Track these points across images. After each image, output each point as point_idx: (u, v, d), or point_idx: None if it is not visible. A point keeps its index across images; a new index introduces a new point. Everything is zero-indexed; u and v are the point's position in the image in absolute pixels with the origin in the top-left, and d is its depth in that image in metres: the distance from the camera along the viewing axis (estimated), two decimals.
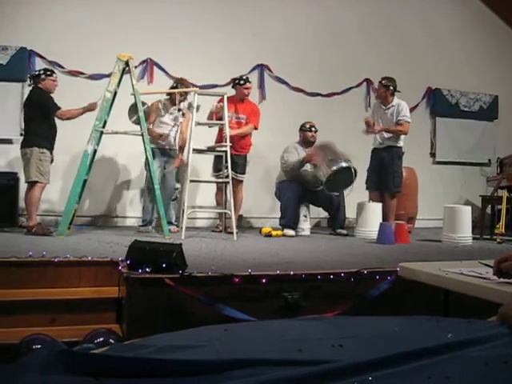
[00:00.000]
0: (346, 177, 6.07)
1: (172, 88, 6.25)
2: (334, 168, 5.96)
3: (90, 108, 5.68)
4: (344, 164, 6.02)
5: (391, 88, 6.38)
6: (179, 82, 6.26)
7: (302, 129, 6.61)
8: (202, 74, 7.05)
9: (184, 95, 6.22)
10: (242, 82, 6.40)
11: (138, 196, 6.88)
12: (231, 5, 7.46)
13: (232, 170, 6.10)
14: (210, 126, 6.42)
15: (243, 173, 6.56)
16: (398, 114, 6.36)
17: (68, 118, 5.70)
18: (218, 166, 6.43)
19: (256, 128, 6.52)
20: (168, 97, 6.29)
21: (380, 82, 6.50)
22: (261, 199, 7.44)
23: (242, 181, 6.56)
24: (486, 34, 8.77)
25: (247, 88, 6.43)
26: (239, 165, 6.44)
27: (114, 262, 3.84)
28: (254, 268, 3.69)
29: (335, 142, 6.74)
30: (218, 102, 6.17)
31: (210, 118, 6.33)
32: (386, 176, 6.38)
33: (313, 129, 6.53)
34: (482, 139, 8.82)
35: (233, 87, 6.50)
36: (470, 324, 1.58)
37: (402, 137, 6.44)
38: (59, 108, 5.67)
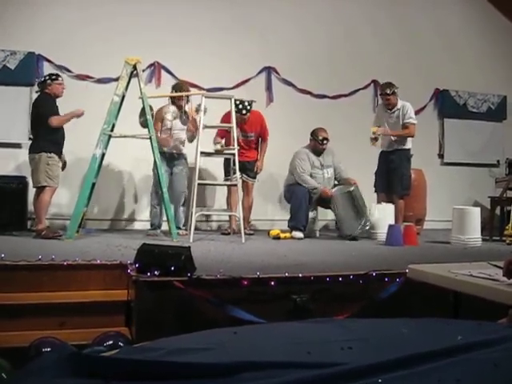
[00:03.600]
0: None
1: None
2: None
3: (76, 113, 5.62)
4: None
5: (396, 91, 6.35)
6: (179, 88, 6.20)
7: (314, 137, 6.48)
8: (209, 76, 7.04)
9: (187, 98, 6.19)
10: (239, 111, 6.14)
11: (147, 199, 6.88)
12: (239, 7, 7.45)
13: (244, 173, 6.22)
14: (217, 151, 6.18)
15: (255, 177, 6.61)
16: (404, 117, 6.32)
17: (58, 125, 5.60)
18: (227, 170, 6.45)
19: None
20: (170, 101, 6.23)
21: (385, 93, 6.33)
22: (269, 201, 7.44)
23: (252, 184, 6.63)
24: (494, 35, 8.70)
25: (244, 117, 6.29)
26: (251, 169, 6.51)
27: (123, 265, 3.85)
28: (263, 270, 3.69)
29: (342, 144, 6.75)
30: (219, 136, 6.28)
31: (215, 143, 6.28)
32: (394, 179, 6.35)
33: (324, 142, 6.44)
34: (491, 140, 8.76)
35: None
36: (480, 326, 1.57)
37: (410, 139, 6.40)
38: (52, 115, 5.58)
